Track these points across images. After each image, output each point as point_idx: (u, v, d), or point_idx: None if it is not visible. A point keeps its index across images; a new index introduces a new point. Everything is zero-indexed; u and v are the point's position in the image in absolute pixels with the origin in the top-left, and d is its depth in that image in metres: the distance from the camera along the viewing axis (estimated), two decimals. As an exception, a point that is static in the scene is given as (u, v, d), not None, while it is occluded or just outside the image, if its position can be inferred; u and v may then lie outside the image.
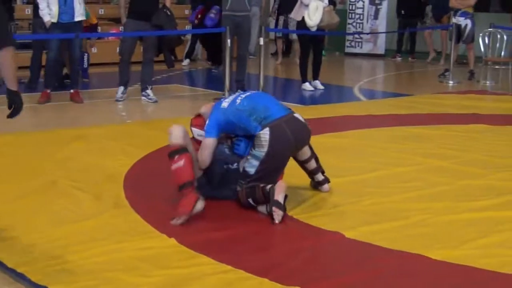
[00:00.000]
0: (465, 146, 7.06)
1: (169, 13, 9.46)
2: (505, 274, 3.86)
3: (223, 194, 5.03)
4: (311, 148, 5.31)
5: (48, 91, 9.38)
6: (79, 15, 9.26)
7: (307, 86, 11.21)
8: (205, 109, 5.25)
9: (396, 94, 11.25)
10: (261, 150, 4.83)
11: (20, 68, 11.50)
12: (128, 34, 9.51)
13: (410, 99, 10.46)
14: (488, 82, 12.24)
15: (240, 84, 10.29)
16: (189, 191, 4.68)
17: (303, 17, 10.81)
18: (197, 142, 5.14)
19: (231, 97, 5.13)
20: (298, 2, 10.95)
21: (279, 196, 4.66)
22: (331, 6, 11.15)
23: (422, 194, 5.36)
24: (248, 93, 5.14)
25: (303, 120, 5.07)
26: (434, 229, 4.57)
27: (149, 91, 9.66)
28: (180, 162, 4.74)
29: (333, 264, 4.02)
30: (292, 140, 4.92)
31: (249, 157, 4.90)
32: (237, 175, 4.99)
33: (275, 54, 16.53)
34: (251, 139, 5.00)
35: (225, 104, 5.06)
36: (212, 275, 3.75)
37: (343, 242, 4.31)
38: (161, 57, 10.10)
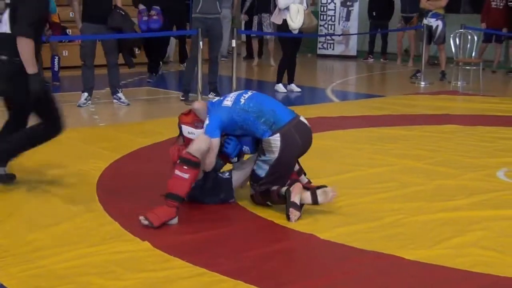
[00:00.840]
0: (437, 146, 7.12)
1: (123, 13, 9.30)
2: (478, 273, 3.89)
3: (207, 200, 5.03)
4: None
5: None
6: None
7: (280, 87, 11.22)
8: (199, 105, 5.15)
9: (368, 95, 11.30)
10: (271, 156, 4.87)
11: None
12: (91, 37, 9.29)
13: (383, 100, 10.53)
14: (459, 82, 12.34)
15: (212, 86, 10.28)
16: (173, 205, 4.64)
17: (284, 20, 10.81)
18: (187, 141, 5.05)
19: (232, 96, 5.09)
20: (277, 7, 10.96)
21: (295, 198, 4.73)
22: (310, 9, 11.19)
23: (396, 194, 5.39)
24: (249, 93, 5.10)
25: (307, 124, 5.11)
26: (408, 229, 4.60)
27: (120, 94, 9.60)
28: (185, 174, 4.66)
29: (307, 266, 4.02)
30: (300, 145, 4.97)
31: (258, 162, 4.93)
32: (229, 185, 5.03)
33: (246, 57, 16.49)
34: (242, 140, 5.06)
35: (227, 102, 5.03)
36: (187, 278, 3.75)
37: (317, 244, 4.32)
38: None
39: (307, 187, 4.93)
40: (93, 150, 6.65)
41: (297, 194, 4.75)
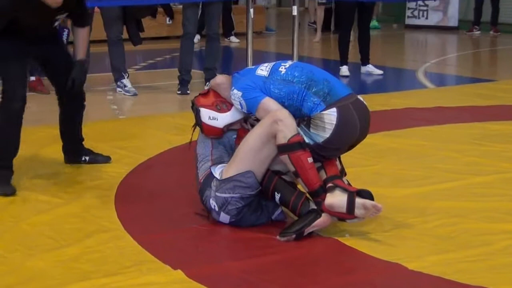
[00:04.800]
0: None
1: None
2: None
3: (254, 221, 4.99)
4: None
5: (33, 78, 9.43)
6: None
7: (344, 70, 11.17)
8: (222, 79, 5.18)
9: (474, 79, 11.22)
10: (320, 134, 4.79)
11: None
12: (93, 4, 9.29)
13: (493, 86, 10.45)
14: None
15: (210, 74, 9.76)
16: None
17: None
18: (207, 129, 5.11)
19: (268, 66, 5.05)
20: None
21: (312, 228, 4.72)
22: None
23: (510, 211, 5.33)
24: (290, 62, 5.08)
25: (367, 105, 5.06)
26: (526, 258, 4.56)
27: (125, 81, 9.63)
28: (311, 158, 4.75)
29: (391, 304, 4.02)
30: (358, 129, 4.90)
31: (300, 131, 4.82)
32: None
33: (313, 23, 16.61)
34: None
35: (262, 72, 5.00)
36: (232, 319, 3.77)
37: (405, 276, 4.29)
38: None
39: (345, 187, 4.84)
40: (110, 150, 6.70)
41: (319, 227, 4.75)
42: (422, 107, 8.83)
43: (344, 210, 4.70)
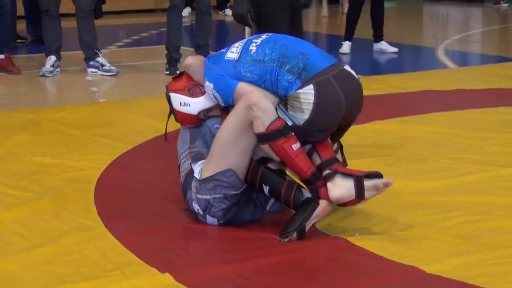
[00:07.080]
0: None
1: None
2: None
3: (248, 217, 5.00)
4: None
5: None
6: None
7: (345, 48, 11.18)
8: (193, 60, 5.19)
9: (501, 58, 11.22)
10: (299, 116, 4.75)
11: None
12: None
13: (523, 65, 10.45)
14: None
15: (202, 52, 9.63)
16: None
17: None
18: (180, 117, 5.13)
19: (239, 46, 5.02)
20: None
21: (312, 221, 4.71)
22: None
23: (541, 208, 5.35)
24: (264, 37, 5.01)
25: (356, 76, 4.98)
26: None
27: (100, 59, 9.60)
28: (297, 144, 4.70)
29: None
30: (343, 105, 4.81)
31: (279, 111, 4.78)
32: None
33: None
34: None
35: (232, 55, 4.97)
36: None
37: (422, 280, 4.30)
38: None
39: (347, 171, 4.81)
40: (90, 138, 6.71)
41: (320, 217, 4.75)
42: (442, 90, 8.83)
43: (353, 197, 4.72)
